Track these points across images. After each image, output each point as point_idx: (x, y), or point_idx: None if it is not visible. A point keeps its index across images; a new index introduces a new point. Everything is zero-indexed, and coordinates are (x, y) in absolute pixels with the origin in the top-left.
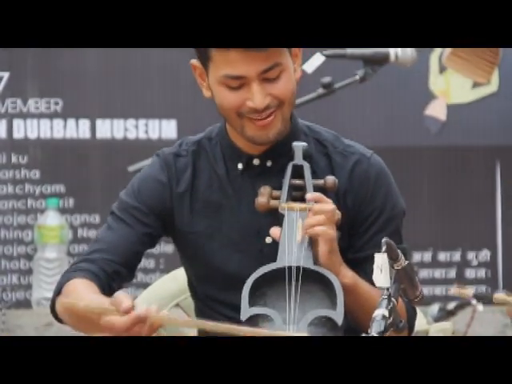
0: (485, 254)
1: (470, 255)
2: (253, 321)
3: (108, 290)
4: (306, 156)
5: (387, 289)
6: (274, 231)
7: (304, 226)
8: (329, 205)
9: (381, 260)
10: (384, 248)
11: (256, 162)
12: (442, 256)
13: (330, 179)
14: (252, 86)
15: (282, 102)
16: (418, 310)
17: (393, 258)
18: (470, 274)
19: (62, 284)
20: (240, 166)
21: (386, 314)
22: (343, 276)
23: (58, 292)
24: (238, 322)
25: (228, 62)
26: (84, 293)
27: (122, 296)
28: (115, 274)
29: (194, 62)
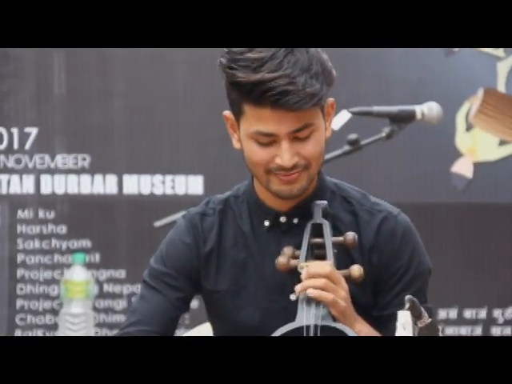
0: (511, 312)
1: (496, 313)
2: None
3: None
4: (327, 214)
5: None
6: (299, 288)
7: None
8: (325, 267)
9: (404, 317)
10: (407, 305)
11: (283, 219)
12: (468, 313)
13: (350, 235)
14: (282, 144)
15: (309, 163)
16: None
17: (416, 316)
18: (495, 331)
19: None
20: (267, 223)
21: None
22: (359, 331)
23: None
24: None
25: (260, 119)
26: None
27: None
28: None
29: (227, 113)
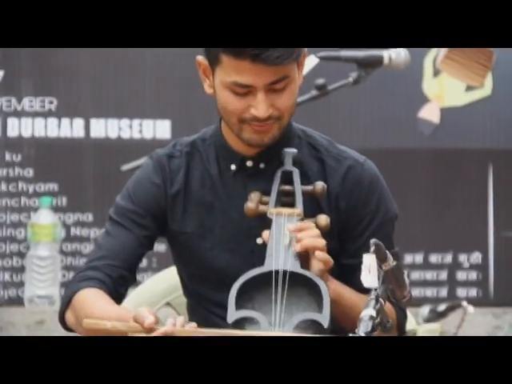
0: (476, 257)
1: (462, 257)
2: (239, 324)
3: (116, 295)
4: (296, 162)
5: (375, 289)
6: (266, 234)
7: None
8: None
9: (369, 261)
10: (372, 249)
11: (249, 163)
12: (434, 258)
13: (319, 184)
14: (257, 96)
15: (282, 114)
16: (408, 310)
17: (381, 259)
18: (461, 276)
19: (71, 295)
20: (233, 166)
21: (374, 314)
22: (327, 288)
23: (66, 303)
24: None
25: (238, 71)
26: (97, 304)
27: (145, 312)
28: (121, 279)
29: (200, 58)
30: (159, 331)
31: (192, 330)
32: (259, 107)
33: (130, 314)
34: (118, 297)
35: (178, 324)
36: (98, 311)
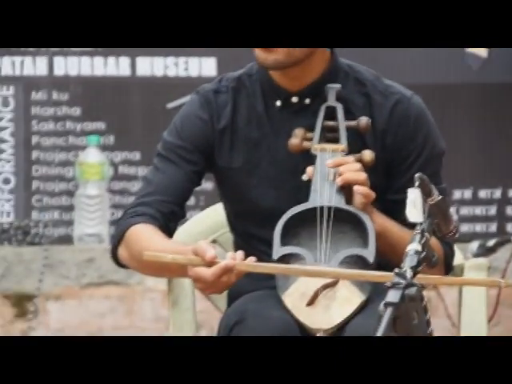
0: None
1: (511, 192)
2: (285, 260)
3: (166, 230)
4: (341, 97)
5: (420, 224)
6: (310, 170)
7: (338, 172)
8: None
9: (414, 195)
10: (417, 183)
11: (294, 99)
12: (483, 193)
13: (364, 120)
14: None
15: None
16: (458, 246)
17: (426, 193)
18: (510, 211)
19: (124, 231)
20: (278, 102)
21: (419, 248)
22: (374, 221)
23: (119, 239)
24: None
25: None
26: (153, 239)
27: (205, 245)
28: (171, 215)
29: None
30: (220, 265)
31: (252, 264)
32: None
33: (186, 248)
34: (168, 232)
35: (238, 258)
36: (154, 245)
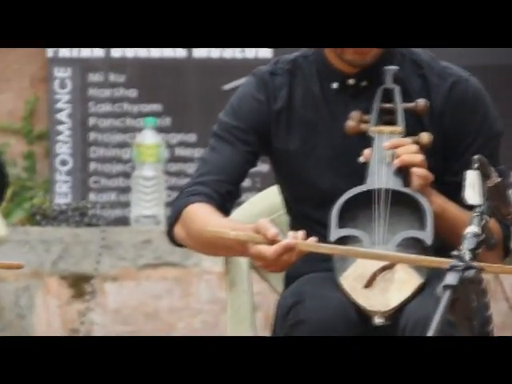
0: None
1: None
2: (342, 242)
3: (223, 210)
4: (398, 79)
5: (479, 206)
6: (367, 152)
7: (395, 155)
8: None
9: (472, 177)
10: (476, 165)
11: (351, 81)
12: None
13: (422, 101)
14: None
15: None
16: None
17: (485, 175)
18: None
19: (181, 209)
20: (335, 85)
21: (478, 230)
22: (433, 202)
23: (175, 218)
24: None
25: None
26: (211, 217)
27: (266, 223)
28: (227, 194)
29: None
30: (282, 243)
31: (313, 244)
32: None
33: (245, 226)
34: (224, 212)
35: (299, 237)
36: (212, 224)
